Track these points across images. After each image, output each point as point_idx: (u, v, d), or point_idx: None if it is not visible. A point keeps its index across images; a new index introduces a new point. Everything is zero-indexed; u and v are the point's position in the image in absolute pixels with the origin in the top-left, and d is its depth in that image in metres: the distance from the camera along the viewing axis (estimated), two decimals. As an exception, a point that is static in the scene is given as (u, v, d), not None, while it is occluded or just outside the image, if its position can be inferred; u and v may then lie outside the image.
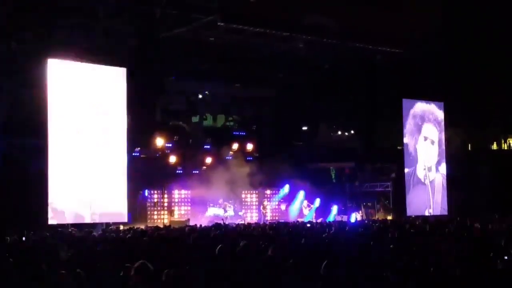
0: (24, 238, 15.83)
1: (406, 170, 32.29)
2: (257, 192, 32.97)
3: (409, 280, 8.06)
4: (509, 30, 30.77)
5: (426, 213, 31.38)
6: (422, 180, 32.80)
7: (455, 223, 20.46)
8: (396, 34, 29.57)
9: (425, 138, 33.32)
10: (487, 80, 32.10)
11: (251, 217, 31.82)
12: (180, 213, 30.21)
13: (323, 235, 14.43)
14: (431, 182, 33.14)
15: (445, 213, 32.18)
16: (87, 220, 23.72)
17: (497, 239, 12.44)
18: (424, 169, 32.94)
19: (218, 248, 10.29)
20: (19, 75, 24.28)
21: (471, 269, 8.63)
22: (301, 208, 32.82)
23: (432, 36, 29.92)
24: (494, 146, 37.45)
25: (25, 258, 10.08)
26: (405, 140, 32.57)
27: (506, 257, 9.02)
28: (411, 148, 32.66)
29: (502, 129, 36.97)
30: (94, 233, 18.06)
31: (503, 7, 30.46)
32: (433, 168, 33.35)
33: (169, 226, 23.43)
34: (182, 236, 14.78)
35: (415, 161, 32.69)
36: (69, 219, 23.38)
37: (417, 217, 27.69)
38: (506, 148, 37.43)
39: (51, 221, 22.96)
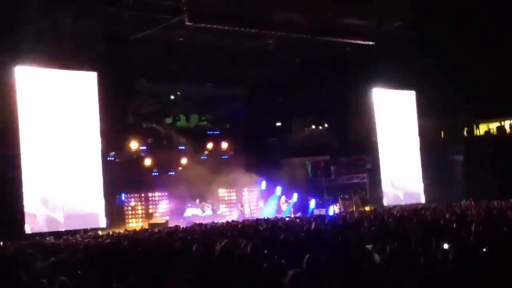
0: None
1: (386, 161, 32.50)
2: (234, 190, 32.97)
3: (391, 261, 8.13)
4: (479, 19, 31.12)
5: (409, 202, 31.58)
6: (403, 172, 33.03)
7: (431, 210, 20.69)
8: (365, 26, 29.75)
9: (400, 129, 33.55)
10: (458, 68, 32.41)
11: (230, 215, 31.77)
12: (158, 216, 30.08)
13: (303, 229, 14.47)
14: (411, 172, 33.43)
15: (422, 201, 32.47)
16: (63, 225, 23.49)
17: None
18: (402, 159, 33.17)
19: (194, 248, 10.26)
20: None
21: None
22: (279, 204, 32.90)
23: (401, 26, 30.14)
24: (467, 133, 37.82)
25: (3, 267, 9.95)
26: (378, 130, 32.77)
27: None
28: (384, 138, 32.86)
29: (474, 116, 37.37)
30: (73, 240, 17.89)
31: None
32: (411, 158, 33.61)
33: (148, 229, 23.31)
34: (162, 239, 14.71)
35: (391, 152, 32.90)
36: (45, 225, 23.16)
37: (394, 206, 27.91)
38: (478, 134, 37.85)
39: (28, 228, 22.72)
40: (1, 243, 17.99)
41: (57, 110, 24.33)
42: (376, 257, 8.41)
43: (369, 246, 9.68)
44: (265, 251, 9.95)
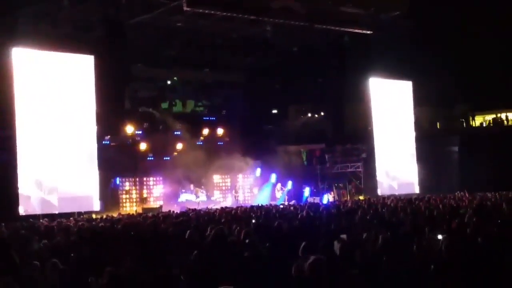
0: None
1: (381, 151, 32.52)
2: (229, 176, 32.99)
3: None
4: (476, 10, 31.10)
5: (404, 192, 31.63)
6: (399, 161, 33.09)
7: (425, 200, 20.77)
8: (363, 15, 29.69)
9: (397, 119, 33.56)
10: (455, 59, 32.42)
11: (224, 201, 31.81)
12: (153, 200, 30.10)
13: (297, 217, 14.51)
14: (408, 162, 33.49)
15: (416, 191, 32.55)
16: (57, 208, 23.49)
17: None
18: (399, 149, 33.21)
19: (187, 233, 10.30)
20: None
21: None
22: (274, 191, 32.93)
23: (399, 16, 30.09)
24: (463, 124, 37.88)
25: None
26: (374, 120, 32.79)
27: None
28: (380, 128, 32.88)
29: (470, 107, 37.41)
30: (67, 223, 17.90)
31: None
32: (407, 148, 33.66)
33: (142, 213, 23.35)
34: (156, 224, 14.73)
35: (387, 142, 32.93)
36: (39, 207, 23.18)
37: (388, 196, 27.97)
38: (474, 125, 37.91)
39: (22, 210, 22.74)
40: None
41: (54, 93, 24.27)
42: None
43: (364, 235, 9.75)
44: (259, 238, 9.99)
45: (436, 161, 32.91)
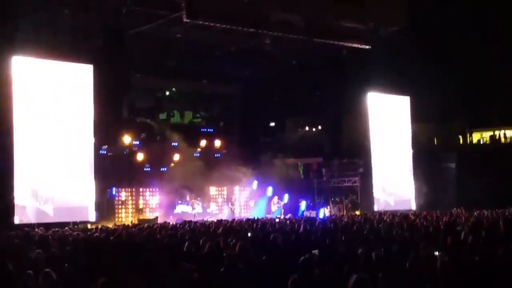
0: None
1: (378, 166, 32.49)
2: (225, 188, 32.94)
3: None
4: (474, 27, 31.25)
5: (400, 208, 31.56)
6: (396, 177, 33.06)
7: (421, 217, 20.74)
8: (362, 30, 29.79)
9: (394, 134, 33.57)
10: (453, 75, 32.53)
11: (220, 213, 31.74)
12: (149, 211, 30.01)
13: (293, 231, 14.48)
14: (404, 178, 33.46)
15: (413, 208, 32.51)
16: (53, 218, 23.37)
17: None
18: (396, 164, 33.20)
19: (185, 246, 10.27)
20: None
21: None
22: (270, 204, 32.86)
23: (398, 32, 30.20)
24: (460, 141, 37.93)
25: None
26: (372, 135, 32.79)
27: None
28: (378, 143, 32.87)
29: (468, 123, 37.49)
30: (62, 233, 17.82)
31: (467, 4, 30.91)
32: (404, 163, 33.64)
33: (138, 224, 23.25)
34: (150, 235, 14.68)
35: (385, 157, 32.91)
36: (34, 217, 23.04)
37: (385, 212, 27.93)
38: (471, 142, 37.96)
39: (17, 219, 22.64)
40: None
41: (52, 101, 24.24)
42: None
43: (360, 250, 9.72)
44: (254, 251, 9.96)
45: (433, 178, 32.89)
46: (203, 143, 33.51)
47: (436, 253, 9.29)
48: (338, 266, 8.30)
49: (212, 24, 26.55)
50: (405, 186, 33.42)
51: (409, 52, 30.94)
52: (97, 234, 16.09)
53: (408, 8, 30.28)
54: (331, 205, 33.22)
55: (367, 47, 30.53)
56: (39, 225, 21.81)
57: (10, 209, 22.59)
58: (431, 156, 34.63)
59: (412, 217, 20.53)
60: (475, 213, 22.23)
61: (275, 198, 32.75)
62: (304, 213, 31.54)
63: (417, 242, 11.01)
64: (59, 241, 13.55)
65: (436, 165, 34.12)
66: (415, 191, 33.35)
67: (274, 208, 32.54)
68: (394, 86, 32.52)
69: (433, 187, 32.36)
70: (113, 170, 28.28)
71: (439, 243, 11.00)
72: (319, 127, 38.20)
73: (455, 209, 25.82)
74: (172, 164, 31.47)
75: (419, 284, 7.75)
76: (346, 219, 20.94)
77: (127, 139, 29.75)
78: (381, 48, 30.26)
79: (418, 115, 34.34)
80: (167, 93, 36.26)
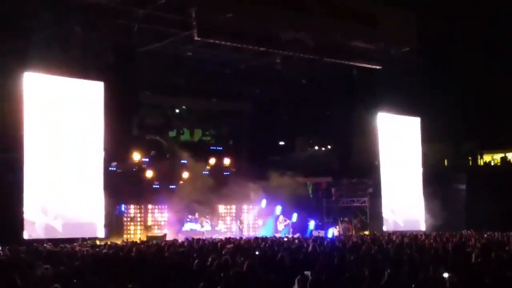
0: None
1: (388, 186, 32.35)
2: (234, 206, 32.90)
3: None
4: (485, 46, 31.23)
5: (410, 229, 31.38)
6: (406, 198, 32.90)
7: (431, 238, 20.60)
8: (373, 50, 29.85)
9: (404, 155, 33.45)
10: (463, 96, 32.46)
11: (229, 231, 31.68)
12: (157, 228, 30.00)
13: (302, 250, 14.41)
14: (414, 199, 33.29)
15: (422, 229, 32.30)
16: (62, 234, 23.38)
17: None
18: (406, 185, 33.06)
19: (195, 263, 10.24)
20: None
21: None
22: (276, 223, 32.78)
23: (409, 52, 30.23)
24: (470, 162, 37.75)
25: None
26: (381, 155, 32.70)
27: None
28: (387, 163, 32.76)
29: (478, 145, 37.33)
30: (71, 249, 17.82)
31: (477, 24, 30.93)
32: (414, 184, 33.48)
33: (147, 241, 23.23)
34: (159, 252, 14.66)
35: (394, 178, 32.78)
36: (43, 233, 23.07)
37: (394, 232, 27.77)
38: (482, 164, 37.77)
39: (26, 235, 22.66)
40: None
41: (63, 118, 24.38)
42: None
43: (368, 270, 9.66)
44: (262, 270, 9.92)
45: (443, 199, 32.64)
46: (212, 161, 33.55)
47: (446, 274, 9.21)
48: (346, 286, 8.26)
49: (222, 42, 26.69)
50: (414, 207, 33.22)
51: (420, 72, 30.91)
52: (105, 250, 16.09)
53: (418, 28, 30.34)
54: (340, 224, 33.09)
55: (377, 67, 30.56)
56: (48, 240, 21.84)
57: (19, 224, 22.64)
58: (441, 177, 34.45)
59: (422, 238, 20.39)
60: (485, 235, 22.06)
61: (281, 217, 32.66)
62: (313, 233, 31.43)
63: (426, 263, 10.92)
64: (67, 256, 13.55)
65: (446, 186, 33.93)
66: (425, 212, 33.13)
67: (280, 227, 32.45)
68: (405, 106, 32.45)
69: (443, 208, 32.12)
70: (122, 187, 28.31)
71: (448, 265, 10.91)
72: (329, 147, 38.14)
73: (465, 230, 25.64)
74: (181, 182, 31.50)
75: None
76: (354, 239, 20.83)
77: (136, 156, 29.84)
78: (391, 68, 30.27)
79: (428, 136, 34.20)
80: (177, 110, 36.36)
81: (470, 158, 37.73)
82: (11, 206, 22.83)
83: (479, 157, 37.74)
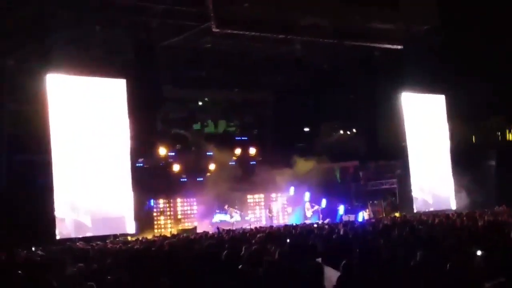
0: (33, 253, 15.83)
1: (417, 167, 32.13)
2: (262, 195, 32.93)
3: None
4: (508, 20, 30.69)
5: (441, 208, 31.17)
6: (435, 177, 32.68)
7: (462, 217, 20.41)
8: (393, 30, 29.53)
9: (431, 134, 33.21)
10: (488, 70, 31.96)
11: (258, 221, 31.75)
12: (187, 221, 30.17)
13: (333, 236, 14.37)
14: (444, 177, 33.04)
15: (453, 207, 32.05)
16: (92, 230, 23.63)
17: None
18: (435, 164, 32.83)
19: (224, 254, 10.24)
20: (19, 91, 24.37)
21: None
22: (305, 210, 32.76)
23: (430, 30, 29.85)
24: (499, 137, 37.23)
25: (33, 273, 10.04)
26: (408, 135, 32.48)
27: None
28: (415, 143, 32.54)
29: (506, 119, 36.79)
30: (103, 246, 18.01)
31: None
32: (443, 163, 33.22)
33: (178, 235, 23.39)
34: (190, 245, 14.73)
35: (423, 157, 32.56)
36: (73, 230, 23.33)
37: (425, 213, 27.59)
38: (510, 139, 37.24)
39: (58, 234, 22.93)
40: (33, 249, 18.20)
41: (87, 117, 24.60)
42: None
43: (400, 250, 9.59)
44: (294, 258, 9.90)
45: (472, 176, 32.31)
46: (238, 151, 33.59)
47: (479, 252, 9.11)
48: (380, 269, 8.21)
49: (241, 32, 26.63)
50: (444, 186, 33.00)
51: (442, 50, 30.54)
52: (137, 246, 16.22)
53: (438, 6, 29.93)
54: (369, 208, 32.96)
55: (399, 47, 30.25)
56: (79, 239, 22.12)
57: (51, 224, 22.93)
58: (469, 154, 34.07)
59: (453, 217, 20.22)
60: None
61: (307, 204, 32.59)
62: (343, 217, 31.35)
63: (458, 242, 10.83)
64: (100, 254, 13.68)
65: (475, 163, 33.53)
66: (455, 190, 32.88)
67: (309, 213, 32.41)
68: (428, 85, 32.17)
69: (473, 185, 31.82)
70: (150, 182, 28.49)
71: (481, 243, 10.79)
72: (354, 130, 37.95)
73: (497, 207, 25.35)
74: (208, 174, 31.62)
75: (462, 284, 7.60)
76: (385, 222, 20.73)
77: (162, 150, 29.99)
78: (413, 48, 29.94)
79: (454, 114, 33.85)
80: (200, 103, 36.41)
81: (498, 133, 37.22)
82: (43, 206, 23.12)
83: (507, 131, 37.22)
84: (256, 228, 22.95)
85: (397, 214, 29.94)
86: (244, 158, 33.73)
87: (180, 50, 28.33)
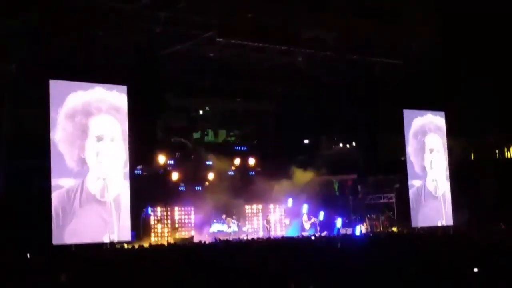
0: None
1: (416, 182, 32.14)
2: (260, 206, 32.88)
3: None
4: (508, 38, 30.81)
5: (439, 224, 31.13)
6: (433, 193, 32.67)
7: (460, 233, 20.42)
8: (394, 45, 29.62)
9: (431, 150, 33.22)
10: (488, 88, 32.05)
11: (256, 232, 31.68)
12: (184, 230, 30.09)
13: (330, 249, 14.36)
14: (442, 194, 33.02)
15: (452, 223, 31.99)
16: (90, 237, 23.52)
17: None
18: (433, 181, 32.83)
19: (221, 264, 10.24)
20: (21, 97, 24.39)
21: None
22: (302, 222, 32.68)
23: (431, 46, 29.94)
24: (497, 155, 37.29)
25: (30, 279, 10.03)
26: (408, 151, 32.49)
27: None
28: (414, 159, 32.55)
29: (505, 137, 36.85)
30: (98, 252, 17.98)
31: (500, 17, 30.52)
32: (442, 179, 33.22)
33: (174, 244, 23.33)
34: (187, 254, 14.71)
35: (422, 173, 32.57)
36: (71, 237, 23.24)
37: (423, 228, 27.56)
38: (509, 156, 37.28)
39: (55, 240, 22.85)
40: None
41: (87, 123, 24.51)
42: None
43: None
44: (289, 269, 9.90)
45: (470, 193, 32.31)
46: (237, 161, 33.57)
47: (475, 269, 9.11)
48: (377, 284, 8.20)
49: (244, 42, 26.70)
50: (442, 202, 32.95)
51: (443, 66, 30.63)
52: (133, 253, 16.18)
53: (440, 22, 30.04)
54: (367, 222, 32.90)
55: (400, 62, 30.33)
56: (76, 246, 22.07)
57: (49, 231, 22.82)
58: (468, 171, 34.09)
59: (451, 233, 20.23)
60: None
61: (305, 216, 32.53)
62: (340, 230, 31.29)
63: (457, 258, 10.83)
64: (96, 261, 13.65)
65: (473, 180, 33.55)
66: (453, 206, 32.83)
67: (307, 225, 32.33)
68: (428, 101, 32.22)
69: (471, 202, 31.81)
70: (148, 190, 28.43)
71: (480, 260, 10.78)
72: (353, 144, 37.95)
73: (494, 224, 25.35)
74: (207, 183, 31.57)
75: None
76: (382, 236, 20.73)
77: (161, 158, 29.95)
78: (414, 63, 30.03)
79: (453, 130, 33.89)
80: (201, 112, 36.42)
81: (497, 151, 37.26)
82: (41, 213, 23.05)
83: (505, 149, 37.26)
84: (253, 239, 22.89)
85: (394, 229, 29.91)
86: (243, 168, 33.71)
87: (183, 58, 28.37)
